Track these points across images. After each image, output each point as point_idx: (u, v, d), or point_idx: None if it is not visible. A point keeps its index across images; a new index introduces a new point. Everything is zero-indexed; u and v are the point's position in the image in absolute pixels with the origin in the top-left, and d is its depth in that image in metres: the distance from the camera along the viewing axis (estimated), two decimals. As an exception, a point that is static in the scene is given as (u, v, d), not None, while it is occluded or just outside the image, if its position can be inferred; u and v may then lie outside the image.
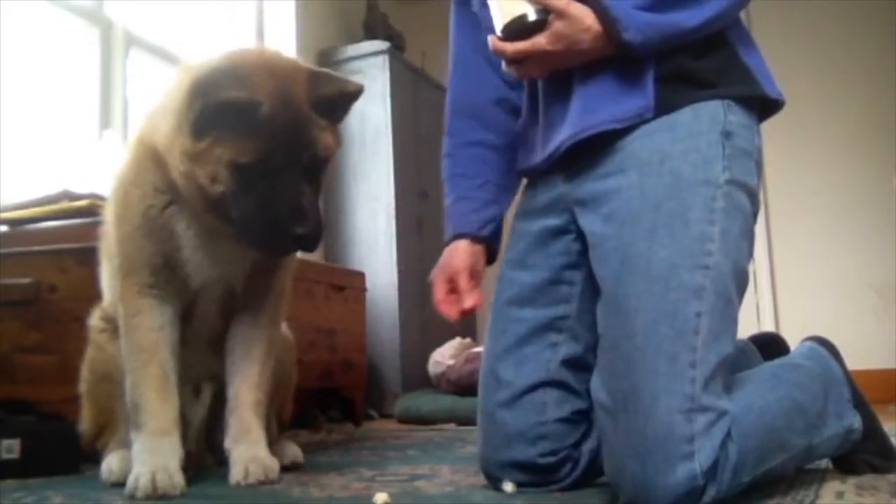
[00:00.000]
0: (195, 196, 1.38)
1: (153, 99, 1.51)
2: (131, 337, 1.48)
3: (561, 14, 1.19)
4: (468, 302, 1.37)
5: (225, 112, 1.30)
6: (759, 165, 1.25)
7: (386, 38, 3.91)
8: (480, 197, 1.44)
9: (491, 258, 1.47)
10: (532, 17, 1.20)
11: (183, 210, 1.46)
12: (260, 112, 1.30)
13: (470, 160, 1.47)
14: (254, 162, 1.32)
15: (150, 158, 1.45)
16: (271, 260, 1.57)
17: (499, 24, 1.24)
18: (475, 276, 1.41)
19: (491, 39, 1.26)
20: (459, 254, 1.41)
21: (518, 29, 1.22)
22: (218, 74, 1.32)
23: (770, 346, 1.54)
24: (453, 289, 1.39)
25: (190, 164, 1.34)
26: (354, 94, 1.44)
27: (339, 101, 1.43)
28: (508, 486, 1.29)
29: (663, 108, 1.20)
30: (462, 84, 1.51)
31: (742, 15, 1.29)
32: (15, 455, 1.64)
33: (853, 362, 1.40)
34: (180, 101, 1.34)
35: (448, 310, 1.38)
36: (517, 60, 1.26)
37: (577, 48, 1.21)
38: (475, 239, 1.43)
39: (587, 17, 1.19)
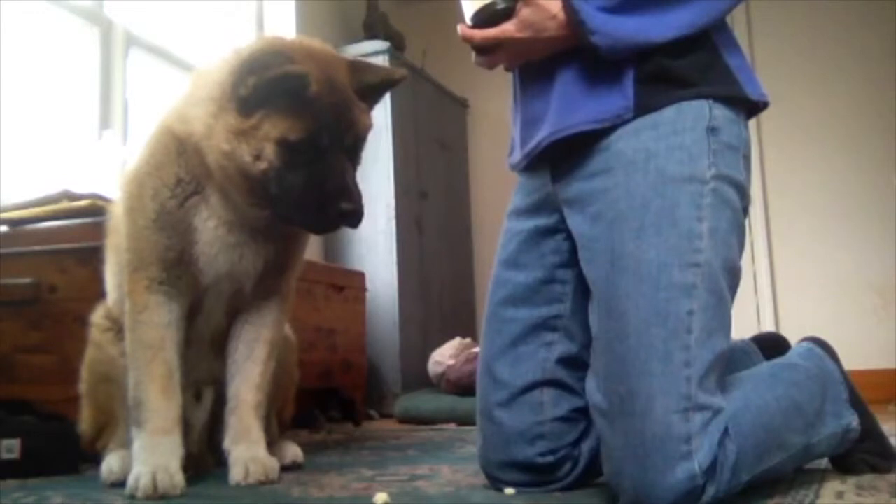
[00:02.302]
0: (234, 176, 1.40)
1: (174, 94, 1.54)
2: (137, 333, 1.49)
3: (528, 1, 1.21)
4: None
5: (277, 88, 1.34)
6: (747, 159, 1.24)
7: (386, 38, 3.90)
8: None
9: None
10: (500, 4, 1.23)
11: (205, 201, 1.47)
12: (309, 90, 1.35)
13: None
14: (301, 139, 1.36)
15: (175, 150, 1.47)
16: (290, 251, 1.60)
17: (468, 12, 1.26)
18: None
19: (460, 27, 1.27)
20: None
21: (487, 17, 1.24)
22: (268, 54, 1.38)
23: (772, 346, 1.53)
24: None
25: (235, 141, 1.37)
26: (399, 80, 1.52)
27: (382, 87, 1.51)
28: (510, 491, 1.29)
29: (644, 107, 1.20)
30: None
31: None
32: (15, 455, 1.64)
33: (853, 362, 1.40)
34: (224, 83, 1.39)
35: None
36: (486, 49, 1.27)
37: (543, 35, 1.22)
38: None
39: (553, 5, 1.21)
